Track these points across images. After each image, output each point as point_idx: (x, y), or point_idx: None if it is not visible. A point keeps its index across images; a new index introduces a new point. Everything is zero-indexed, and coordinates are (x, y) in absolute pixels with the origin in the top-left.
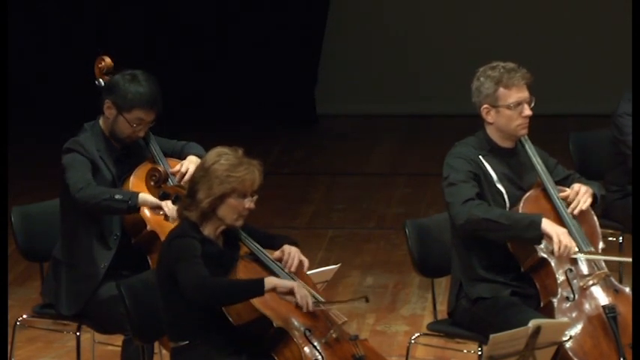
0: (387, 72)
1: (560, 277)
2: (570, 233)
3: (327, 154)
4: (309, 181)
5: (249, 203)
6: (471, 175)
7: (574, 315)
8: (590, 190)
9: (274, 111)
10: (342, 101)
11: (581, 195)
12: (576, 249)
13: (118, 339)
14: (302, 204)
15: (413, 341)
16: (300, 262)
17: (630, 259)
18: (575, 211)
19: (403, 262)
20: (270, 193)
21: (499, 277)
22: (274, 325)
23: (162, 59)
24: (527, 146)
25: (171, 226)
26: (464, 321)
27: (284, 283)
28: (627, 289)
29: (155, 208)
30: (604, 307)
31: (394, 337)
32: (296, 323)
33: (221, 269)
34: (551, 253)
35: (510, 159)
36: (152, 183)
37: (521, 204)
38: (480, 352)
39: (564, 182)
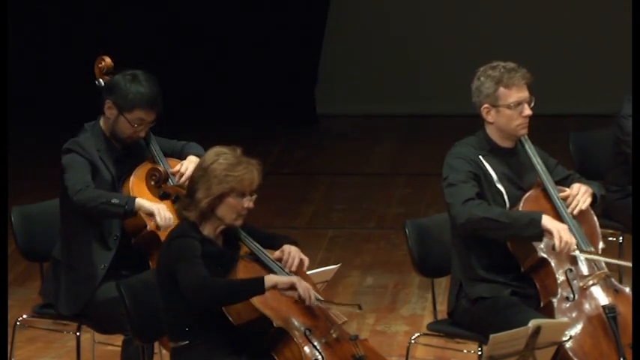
0: (387, 72)
1: (560, 277)
2: (570, 232)
3: (327, 154)
4: (309, 181)
5: (248, 203)
6: (470, 175)
7: (574, 315)
8: (590, 190)
9: (274, 111)
10: (342, 101)
11: (581, 195)
12: (576, 246)
13: (118, 339)
14: (302, 204)
15: (413, 341)
16: (301, 262)
17: (630, 264)
18: (575, 211)
19: (403, 262)
20: (270, 193)
21: (499, 277)
22: (274, 324)
23: (163, 59)
24: (527, 146)
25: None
26: (464, 321)
27: (284, 278)
28: (627, 289)
29: (149, 215)
30: (604, 307)
31: (394, 337)
32: (296, 323)
33: (221, 269)
34: (552, 249)
35: (510, 159)
36: (152, 183)
37: (521, 204)
38: (479, 352)
39: (564, 182)
